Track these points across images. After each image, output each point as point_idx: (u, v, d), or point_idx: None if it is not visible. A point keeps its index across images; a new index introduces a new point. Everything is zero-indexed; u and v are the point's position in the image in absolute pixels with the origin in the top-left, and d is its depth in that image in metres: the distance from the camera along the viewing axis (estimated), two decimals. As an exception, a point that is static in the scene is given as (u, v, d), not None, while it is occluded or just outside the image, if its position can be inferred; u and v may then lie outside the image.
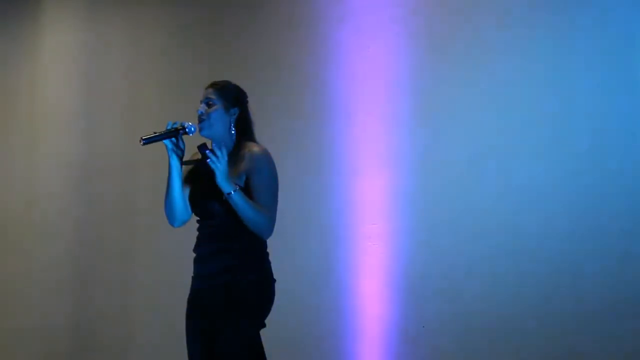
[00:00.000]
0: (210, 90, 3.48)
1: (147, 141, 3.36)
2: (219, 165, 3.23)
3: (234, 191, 3.24)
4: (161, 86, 5.55)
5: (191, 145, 3.40)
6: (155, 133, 3.37)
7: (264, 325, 3.37)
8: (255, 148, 3.39)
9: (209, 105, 3.45)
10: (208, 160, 3.25)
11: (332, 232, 4.70)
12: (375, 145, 4.61)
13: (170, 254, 5.15)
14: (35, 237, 5.98)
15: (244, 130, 3.47)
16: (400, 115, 4.58)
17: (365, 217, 4.59)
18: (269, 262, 3.42)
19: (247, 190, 3.32)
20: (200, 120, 3.44)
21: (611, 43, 4.08)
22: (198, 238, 3.47)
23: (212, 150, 3.27)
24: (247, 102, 3.52)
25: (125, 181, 5.60)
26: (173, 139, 3.41)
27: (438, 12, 4.56)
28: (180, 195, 3.45)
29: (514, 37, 4.31)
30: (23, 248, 6.03)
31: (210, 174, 3.32)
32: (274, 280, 3.41)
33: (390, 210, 4.55)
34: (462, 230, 4.36)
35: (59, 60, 6.06)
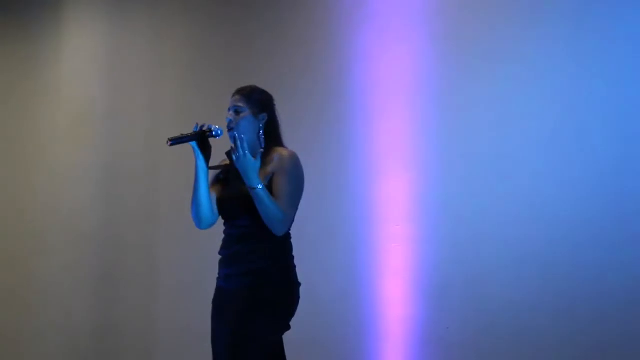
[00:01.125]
0: (238, 97, 3.50)
1: (174, 142, 3.39)
2: (242, 159, 3.26)
3: (260, 187, 3.26)
4: (184, 88, 5.56)
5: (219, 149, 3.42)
6: (182, 134, 3.40)
7: (288, 328, 3.39)
8: (284, 152, 3.42)
9: (237, 112, 3.47)
10: (233, 156, 3.28)
11: (355, 233, 4.71)
12: (399, 147, 4.61)
13: (194, 255, 5.16)
14: (59, 238, 6.00)
15: (273, 134, 3.50)
16: (423, 116, 4.58)
17: (389, 219, 4.59)
18: (294, 266, 3.43)
19: (270, 189, 3.34)
20: (230, 128, 3.46)
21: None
22: (224, 240, 3.50)
23: (234, 148, 3.30)
24: (274, 106, 3.54)
25: (148, 183, 5.62)
26: (199, 141, 3.43)
27: (461, 13, 4.56)
28: (206, 197, 3.47)
29: (539, 37, 4.30)
30: (47, 249, 6.06)
31: (237, 173, 3.35)
32: (299, 284, 3.42)
33: (413, 212, 4.54)
34: (486, 231, 4.35)
35: (81, 64, 6.09)
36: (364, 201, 4.70)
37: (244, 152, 3.27)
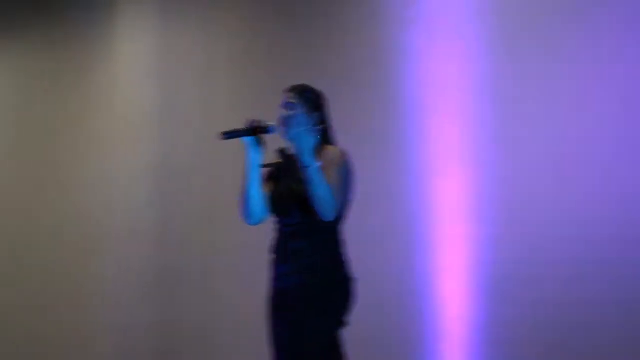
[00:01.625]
0: (291, 94, 3.50)
1: (228, 136, 3.41)
2: (297, 136, 3.32)
3: (315, 165, 3.26)
4: (236, 87, 5.60)
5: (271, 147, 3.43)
6: (236, 129, 3.42)
7: (347, 324, 3.37)
8: (335, 149, 3.42)
9: (290, 109, 3.48)
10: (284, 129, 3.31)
11: (413, 233, 4.69)
12: (455, 145, 4.59)
13: (252, 254, 5.15)
14: (115, 238, 6.07)
15: (324, 133, 3.49)
16: (479, 114, 4.55)
17: (447, 218, 4.56)
18: (348, 261, 3.42)
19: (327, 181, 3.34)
20: (282, 123, 3.47)
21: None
22: (275, 239, 3.49)
23: (283, 152, 3.30)
24: (326, 105, 3.53)
25: (203, 182, 5.66)
26: (253, 137, 3.44)
27: (512, 9, 4.52)
28: (257, 192, 3.46)
29: (593, 33, 4.25)
30: (104, 248, 6.13)
31: (289, 171, 3.35)
32: (355, 279, 3.40)
33: (471, 211, 4.51)
34: (546, 230, 4.30)
35: (135, 65, 6.16)
36: (421, 200, 4.68)
37: (299, 128, 3.31)
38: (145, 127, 6.03)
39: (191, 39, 5.86)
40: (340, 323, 3.34)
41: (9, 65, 6.93)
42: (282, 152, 3.54)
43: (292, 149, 3.53)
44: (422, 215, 4.67)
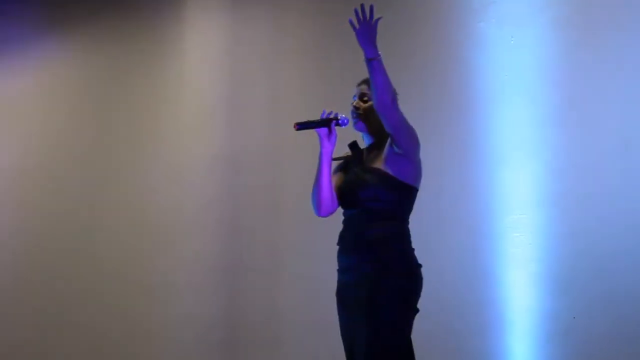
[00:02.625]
0: (365, 86, 3.54)
1: (301, 127, 3.46)
2: (364, 26, 3.32)
3: (377, 58, 3.30)
4: (305, 80, 5.60)
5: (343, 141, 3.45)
6: (309, 120, 3.46)
7: (417, 310, 3.39)
8: None
9: (363, 100, 3.51)
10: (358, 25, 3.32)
11: (478, 223, 4.67)
12: (521, 135, 4.56)
13: (320, 246, 5.14)
14: (185, 231, 6.11)
15: None
16: (545, 104, 4.51)
17: (512, 208, 4.54)
18: (413, 249, 3.44)
19: (389, 179, 3.37)
20: (355, 114, 3.51)
21: None
22: (342, 230, 3.53)
23: (354, 145, 3.33)
24: (396, 99, 3.56)
25: (272, 174, 5.67)
26: (326, 128, 3.48)
27: (588, 0, 4.47)
28: (328, 184, 3.51)
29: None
30: (172, 242, 6.17)
31: (358, 164, 3.38)
32: (420, 266, 3.42)
33: (536, 200, 4.49)
34: (612, 219, 4.26)
35: (204, 58, 6.18)
36: (486, 190, 4.66)
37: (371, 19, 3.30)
38: (213, 120, 6.06)
39: (260, 31, 5.87)
40: (412, 308, 3.37)
41: (78, 60, 6.97)
42: (353, 145, 3.58)
43: (362, 141, 3.57)
44: (486, 204, 4.65)
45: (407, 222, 3.46)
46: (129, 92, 6.61)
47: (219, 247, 5.91)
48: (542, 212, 4.46)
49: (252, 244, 5.75)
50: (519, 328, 4.46)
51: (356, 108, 3.52)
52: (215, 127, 6.04)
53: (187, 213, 6.10)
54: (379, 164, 3.42)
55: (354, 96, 3.55)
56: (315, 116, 3.51)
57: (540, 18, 4.55)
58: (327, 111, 3.51)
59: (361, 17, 3.31)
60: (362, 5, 3.30)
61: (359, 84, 3.57)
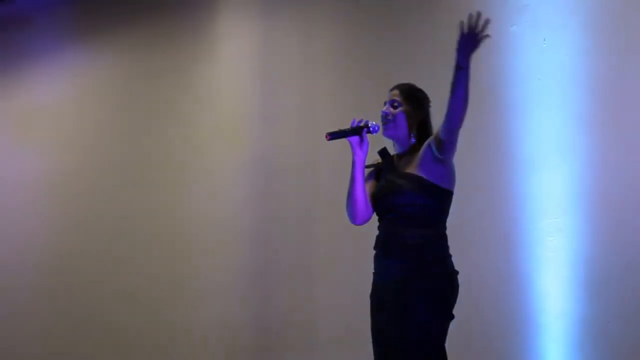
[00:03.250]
0: (396, 92, 3.54)
1: (333, 137, 3.47)
2: (471, 35, 3.21)
3: (466, 69, 3.26)
4: (336, 87, 5.60)
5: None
6: (340, 130, 3.47)
7: (452, 317, 3.39)
8: None
9: (394, 106, 3.52)
10: (474, 32, 3.20)
11: (511, 227, 4.65)
12: (554, 139, 4.54)
13: (351, 251, 5.19)
14: (216, 236, 6.14)
15: (424, 133, 3.52)
16: (578, 108, 4.49)
17: (545, 212, 4.52)
18: (450, 255, 3.43)
19: (423, 182, 3.37)
20: (385, 121, 3.51)
21: None
22: (378, 235, 3.53)
23: (385, 152, 3.33)
24: (429, 106, 3.56)
25: (303, 181, 5.67)
26: (357, 136, 3.49)
27: (620, 3, 4.44)
28: (362, 192, 3.51)
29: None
30: (204, 246, 6.20)
31: (391, 171, 3.39)
32: (457, 272, 3.42)
33: (570, 205, 4.46)
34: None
35: (235, 64, 6.21)
36: (519, 194, 4.65)
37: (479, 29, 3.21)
38: (245, 126, 6.08)
39: (292, 37, 5.89)
40: (446, 315, 3.37)
41: (110, 65, 7.03)
42: (383, 152, 3.58)
43: (393, 148, 3.58)
44: (520, 209, 4.63)
45: (444, 227, 3.46)
46: (161, 99, 6.65)
47: (250, 251, 5.93)
48: (576, 216, 4.44)
49: (283, 249, 5.76)
50: (553, 332, 4.44)
51: (386, 114, 3.53)
52: (247, 134, 6.06)
53: (219, 218, 6.13)
54: (413, 169, 3.42)
55: (385, 102, 3.56)
56: (346, 124, 3.51)
57: (573, 21, 4.53)
58: (357, 119, 3.51)
59: (473, 25, 3.20)
60: (479, 14, 3.19)
61: (391, 89, 3.57)
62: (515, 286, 4.60)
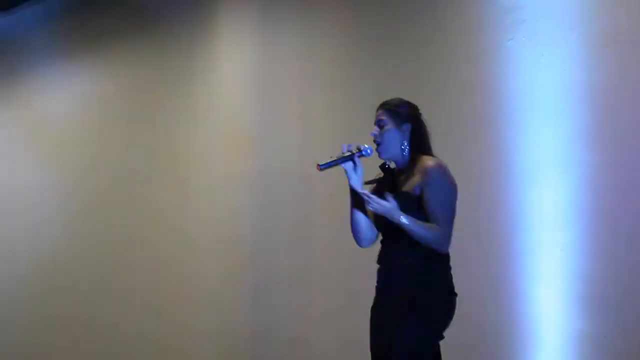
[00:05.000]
0: (381, 111, 3.52)
1: (324, 167, 3.42)
2: (379, 207, 3.27)
3: (405, 222, 3.26)
4: (335, 97, 5.61)
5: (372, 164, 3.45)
6: (331, 158, 3.44)
7: (441, 337, 3.39)
8: (429, 162, 3.39)
9: (380, 127, 3.50)
10: (369, 207, 3.30)
11: (508, 241, 4.65)
12: (552, 153, 4.54)
13: (349, 263, 5.19)
14: (214, 247, 6.15)
15: (418, 144, 3.48)
16: (576, 123, 4.49)
17: (543, 226, 4.52)
18: (449, 276, 3.43)
19: (421, 202, 3.34)
20: (376, 144, 3.50)
21: None
22: (380, 250, 3.53)
23: (366, 195, 3.32)
24: (419, 115, 3.53)
25: (301, 191, 5.68)
26: (350, 162, 3.47)
27: (617, 15, 4.45)
28: (363, 216, 3.51)
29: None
30: (204, 257, 6.22)
31: (390, 185, 3.39)
32: (455, 295, 3.41)
33: (568, 219, 4.46)
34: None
35: (234, 75, 6.21)
36: (517, 208, 4.65)
37: (375, 202, 3.28)
38: (243, 136, 6.09)
39: (290, 48, 5.90)
40: (434, 334, 3.37)
41: (107, 81, 7.07)
42: (384, 167, 3.56)
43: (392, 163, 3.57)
44: (517, 222, 4.63)
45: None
46: (159, 110, 6.68)
47: (247, 263, 5.94)
48: (574, 230, 4.44)
49: (280, 261, 5.76)
50: (550, 347, 4.43)
51: (374, 136, 3.51)
52: (245, 145, 6.07)
53: (217, 229, 6.14)
54: (410, 187, 3.40)
55: (375, 122, 3.54)
56: (342, 142, 3.49)
57: (571, 36, 4.54)
58: (348, 145, 3.49)
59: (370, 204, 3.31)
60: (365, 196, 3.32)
61: (377, 109, 3.54)
62: (513, 300, 4.60)
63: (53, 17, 7.57)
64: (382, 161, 3.57)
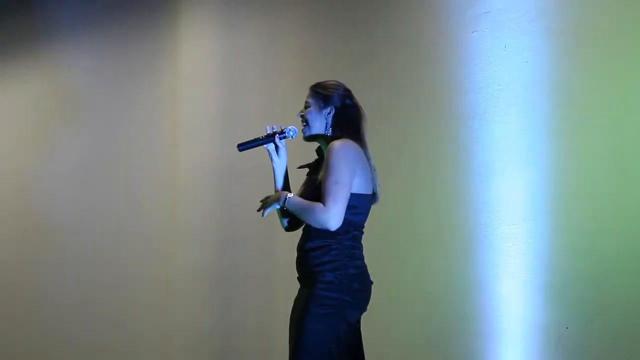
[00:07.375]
0: (309, 92, 3.52)
1: (244, 147, 3.41)
2: (264, 204, 3.43)
3: (284, 204, 3.32)
4: (298, 88, 5.55)
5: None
6: (252, 139, 3.41)
7: (349, 324, 3.35)
8: (334, 144, 3.33)
9: (306, 107, 3.49)
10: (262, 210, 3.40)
11: (471, 233, 4.66)
12: (514, 145, 4.55)
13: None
14: (179, 240, 6.13)
15: (342, 128, 3.43)
16: (538, 114, 4.51)
17: (505, 218, 4.54)
18: (352, 261, 3.35)
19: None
20: (302, 123, 3.48)
21: None
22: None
23: (320, 150, 3.36)
24: (343, 98, 3.48)
25: (266, 184, 5.65)
26: (271, 143, 3.42)
27: (579, 7, 4.47)
28: None
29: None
30: (169, 250, 6.18)
31: (316, 168, 3.41)
32: (356, 279, 3.36)
33: (530, 211, 4.48)
34: (604, 228, 4.25)
35: (198, 67, 6.19)
36: (478, 200, 4.65)
37: (263, 202, 3.44)
38: (208, 129, 6.07)
39: (254, 41, 5.88)
40: (330, 325, 3.31)
41: (71, 71, 7.01)
42: (319, 150, 3.53)
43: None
44: (479, 215, 4.63)
45: (350, 233, 3.36)
46: (122, 103, 6.62)
47: (213, 256, 5.92)
48: (536, 222, 4.46)
49: (246, 253, 5.75)
50: (512, 338, 4.45)
51: (300, 117, 3.49)
52: (209, 138, 6.04)
53: (182, 223, 6.11)
54: (319, 172, 3.38)
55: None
56: (268, 128, 3.50)
57: (534, 28, 4.55)
58: (271, 126, 3.47)
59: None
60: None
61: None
62: (475, 291, 4.60)
63: (11, 5, 7.49)
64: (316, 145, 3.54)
